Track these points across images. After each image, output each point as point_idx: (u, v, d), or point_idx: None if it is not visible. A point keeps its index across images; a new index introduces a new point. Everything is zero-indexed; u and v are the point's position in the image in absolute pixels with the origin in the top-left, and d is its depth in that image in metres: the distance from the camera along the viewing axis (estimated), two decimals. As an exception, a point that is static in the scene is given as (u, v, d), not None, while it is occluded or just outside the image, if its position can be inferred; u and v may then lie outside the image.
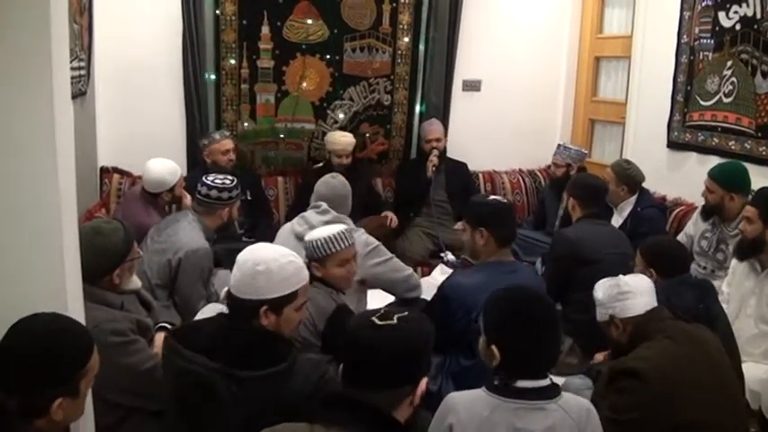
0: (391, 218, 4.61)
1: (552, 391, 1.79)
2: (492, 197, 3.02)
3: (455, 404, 1.77)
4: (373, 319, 1.53)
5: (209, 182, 3.28)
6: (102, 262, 2.25)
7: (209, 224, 3.28)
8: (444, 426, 1.75)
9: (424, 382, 1.55)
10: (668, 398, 2.07)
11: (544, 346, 1.83)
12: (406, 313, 1.57)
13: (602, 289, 2.41)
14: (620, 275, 2.42)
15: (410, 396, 1.53)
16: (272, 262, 1.90)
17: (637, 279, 2.41)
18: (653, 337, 2.22)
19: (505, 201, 3.02)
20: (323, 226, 3.01)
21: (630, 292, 2.33)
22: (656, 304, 2.34)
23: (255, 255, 1.93)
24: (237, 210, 3.47)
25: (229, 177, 3.37)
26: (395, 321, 1.52)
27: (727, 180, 3.52)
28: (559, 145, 4.85)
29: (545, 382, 1.79)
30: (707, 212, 3.64)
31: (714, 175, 3.57)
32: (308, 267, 2.48)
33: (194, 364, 1.76)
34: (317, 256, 2.59)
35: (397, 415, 1.51)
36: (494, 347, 1.82)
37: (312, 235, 2.64)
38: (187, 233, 3.16)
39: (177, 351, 1.80)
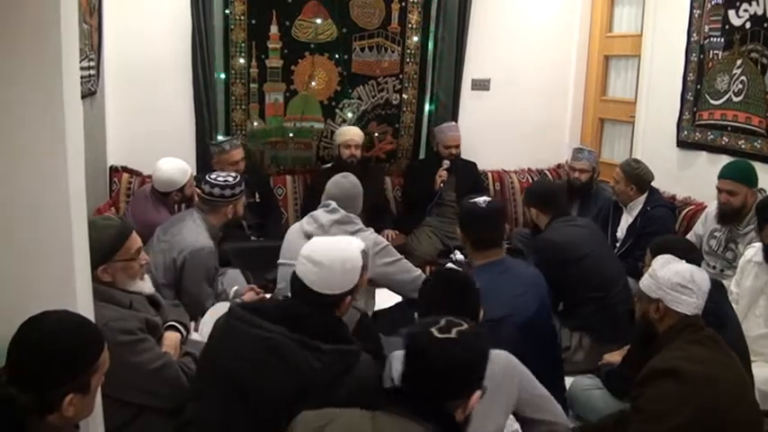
0: (390, 235, 4.60)
1: None
2: (481, 198, 2.92)
3: None
4: (433, 330, 1.54)
5: (211, 180, 3.27)
6: None
7: (214, 222, 3.27)
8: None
9: (476, 397, 1.57)
10: (707, 397, 2.04)
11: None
12: (465, 327, 1.57)
13: (665, 267, 2.27)
14: (695, 271, 2.27)
15: (461, 407, 1.57)
16: (355, 258, 2.08)
17: (704, 278, 2.27)
18: (684, 340, 2.17)
19: (485, 203, 2.87)
20: (332, 225, 3.02)
21: (692, 290, 2.21)
22: (701, 308, 2.25)
23: (340, 252, 2.06)
24: (243, 207, 3.44)
25: (232, 175, 3.35)
26: (453, 335, 1.53)
27: (748, 177, 3.49)
28: (581, 149, 4.63)
29: None
30: (728, 217, 3.52)
31: (735, 175, 3.50)
32: None
33: (274, 333, 1.90)
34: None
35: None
36: None
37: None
38: (191, 232, 3.15)
39: (251, 321, 1.94)
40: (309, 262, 2.02)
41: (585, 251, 3.35)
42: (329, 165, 4.71)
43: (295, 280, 2.05)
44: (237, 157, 4.20)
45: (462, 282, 2.24)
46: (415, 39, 4.87)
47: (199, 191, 3.46)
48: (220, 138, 4.48)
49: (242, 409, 1.92)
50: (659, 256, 2.37)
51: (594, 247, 3.42)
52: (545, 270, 3.00)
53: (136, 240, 2.41)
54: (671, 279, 2.23)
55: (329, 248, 2.08)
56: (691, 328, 2.20)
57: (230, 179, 3.29)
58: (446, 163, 4.72)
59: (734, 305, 2.95)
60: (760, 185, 3.55)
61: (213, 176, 3.30)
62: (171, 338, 2.50)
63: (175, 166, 3.69)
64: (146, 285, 2.45)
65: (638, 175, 4.01)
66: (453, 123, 4.93)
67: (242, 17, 4.49)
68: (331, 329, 1.97)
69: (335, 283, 2.02)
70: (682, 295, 2.21)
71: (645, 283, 2.32)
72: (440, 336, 1.52)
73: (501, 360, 2.05)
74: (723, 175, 3.55)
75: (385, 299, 3.31)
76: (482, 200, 2.89)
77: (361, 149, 4.64)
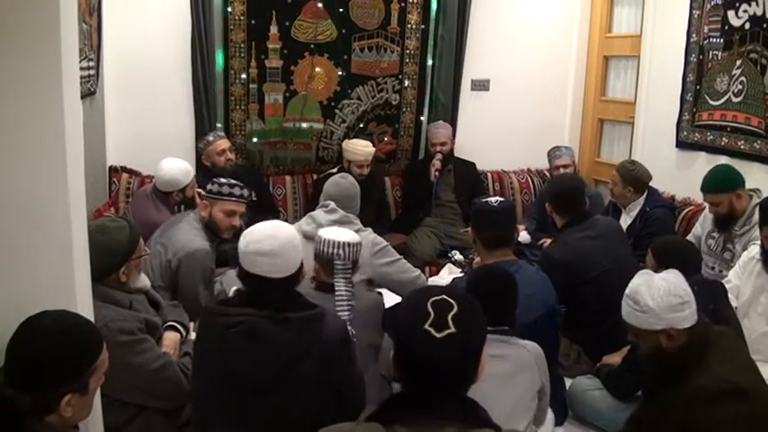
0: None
1: (511, 332, 2.31)
2: (494, 198, 2.97)
3: None
4: (429, 329, 1.38)
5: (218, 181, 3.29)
6: (106, 260, 2.25)
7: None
8: None
9: (485, 358, 1.47)
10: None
11: (497, 305, 2.23)
12: (456, 308, 1.41)
13: (655, 298, 2.15)
14: (673, 280, 2.18)
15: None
16: (294, 233, 2.13)
17: (682, 281, 2.18)
18: (712, 347, 2.14)
19: (497, 203, 2.90)
20: (330, 225, 3.02)
21: (688, 302, 2.14)
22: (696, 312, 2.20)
23: (282, 236, 2.07)
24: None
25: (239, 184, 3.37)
26: (453, 329, 1.38)
27: (726, 184, 3.47)
28: (557, 146, 4.83)
29: (505, 328, 2.28)
30: (722, 223, 3.52)
31: (711, 187, 3.50)
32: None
33: (244, 315, 1.97)
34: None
35: None
36: None
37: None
38: (186, 234, 3.15)
39: (219, 311, 2.03)
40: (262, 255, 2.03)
41: (592, 274, 3.25)
42: (334, 170, 4.62)
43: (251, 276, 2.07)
44: (223, 146, 4.23)
45: (507, 278, 2.41)
46: (415, 39, 4.87)
47: (200, 191, 3.47)
48: None
49: (236, 399, 1.94)
50: (637, 289, 2.21)
51: (607, 265, 3.26)
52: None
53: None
54: (666, 303, 2.13)
55: (277, 232, 2.10)
56: (704, 329, 2.17)
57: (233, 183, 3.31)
58: (439, 154, 4.73)
59: (732, 297, 2.96)
60: (757, 186, 3.55)
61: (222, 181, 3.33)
62: (170, 338, 2.51)
63: (178, 166, 3.70)
64: (146, 279, 2.51)
65: (634, 177, 4.01)
66: (440, 121, 4.93)
67: (241, 17, 4.49)
68: (291, 297, 2.06)
69: (287, 261, 2.05)
70: (684, 312, 2.13)
71: (640, 320, 2.19)
72: (440, 335, 1.37)
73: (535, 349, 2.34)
74: (702, 188, 3.55)
75: (384, 299, 3.30)
76: (494, 199, 2.94)
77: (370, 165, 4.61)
